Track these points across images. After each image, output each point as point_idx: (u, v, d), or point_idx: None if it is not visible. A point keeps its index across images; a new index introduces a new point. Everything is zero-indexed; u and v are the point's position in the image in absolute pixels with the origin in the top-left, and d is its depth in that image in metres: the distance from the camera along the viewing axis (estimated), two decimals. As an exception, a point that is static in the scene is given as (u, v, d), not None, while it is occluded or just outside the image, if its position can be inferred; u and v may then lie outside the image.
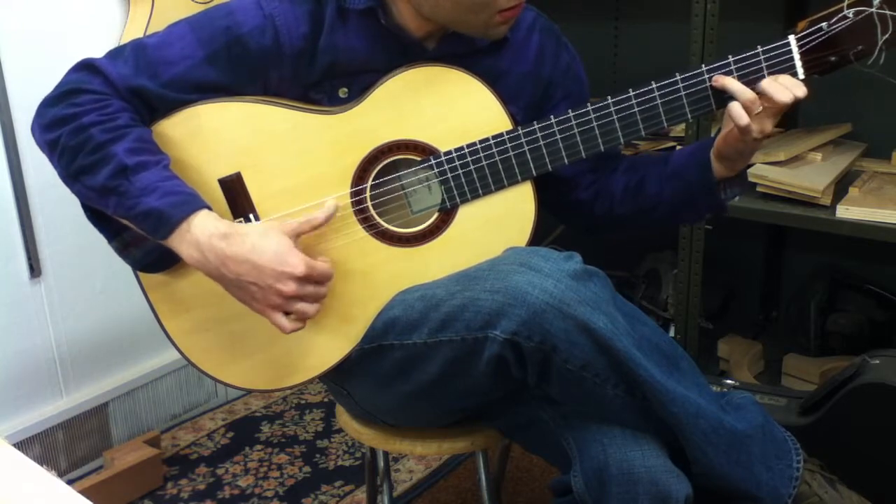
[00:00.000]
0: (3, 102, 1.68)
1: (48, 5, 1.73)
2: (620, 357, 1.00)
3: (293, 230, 1.06)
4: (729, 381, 1.69)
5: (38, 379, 1.83)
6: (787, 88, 1.06)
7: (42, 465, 0.91)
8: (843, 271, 1.97)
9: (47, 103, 1.09)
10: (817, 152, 1.83)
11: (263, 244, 1.02)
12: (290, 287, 1.02)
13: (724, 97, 1.10)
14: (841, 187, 1.73)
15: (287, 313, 1.05)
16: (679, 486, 1.04)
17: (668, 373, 1.05)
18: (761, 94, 1.07)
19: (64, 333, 1.85)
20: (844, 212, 1.63)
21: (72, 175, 1.06)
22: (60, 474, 1.86)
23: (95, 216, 1.12)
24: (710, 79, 1.10)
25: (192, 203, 1.03)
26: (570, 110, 1.13)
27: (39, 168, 1.74)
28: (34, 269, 1.77)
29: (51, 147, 1.07)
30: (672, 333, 1.94)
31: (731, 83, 1.08)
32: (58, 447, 1.87)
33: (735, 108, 1.07)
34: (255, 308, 1.06)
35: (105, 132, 1.04)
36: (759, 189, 1.75)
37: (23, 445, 1.79)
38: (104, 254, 1.87)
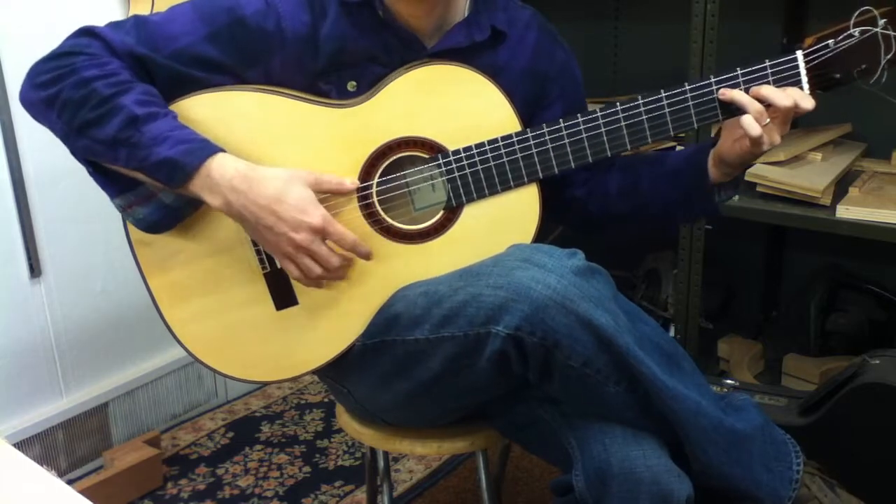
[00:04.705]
0: (3, 102, 1.68)
1: (48, 5, 1.73)
2: (622, 353, 1.01)
3: (315, 183, 1.07)
4: (729, 381, 1.69)
5: (38, 379, 1.83)
6: (787, 94, 1.07)
7: (42, 465, 0.91)
8: (843, 271, 1.97)
9: (42, 62, 1.08)
10: (817, 152, 1.83)
11: (287, 191, 1.03)
12: (302, 237, 1.03)
13: (731, 108, 1.10)
14: (841, 187, 1.73)
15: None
16: (680, 486, 1.04)
17: (669, 371, 1.05)
18: (766, 105, 1.08)
19: (64, 333, 1.85)
20: (844, 212, 1.63)
21: (76, 129, 1.05)
22: (60, 474, 1.86)
23: (99, 173, 1.10)
24: (717, 90, 1.11)
25: (206, 149, 1.03)
26: (578, 115, 1.13)
27: (40, 168, 1.74)
28: (34, 269, 1.77)
29: (48, 103, 1.06)
30: (672, 333, 1.94)
31: (740, 96, 1.08)
32: (58, 447, 1.87)
33: (748, 119, 1.07)
34: (266, 249, 1.09)
35: (109, 86, 1.04)
36: (759, 189, 1.75)
37: (23, 445, 1.79)
38: (104, 253, 1.88)
